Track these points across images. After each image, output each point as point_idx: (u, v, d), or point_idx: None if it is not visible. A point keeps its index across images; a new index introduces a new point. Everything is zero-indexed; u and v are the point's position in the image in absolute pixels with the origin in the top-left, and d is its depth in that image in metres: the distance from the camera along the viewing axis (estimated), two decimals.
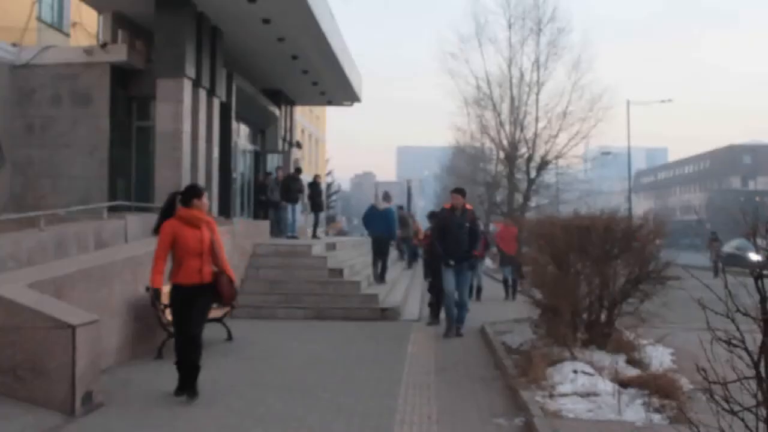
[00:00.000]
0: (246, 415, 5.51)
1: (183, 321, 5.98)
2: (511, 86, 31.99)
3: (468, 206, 9.94)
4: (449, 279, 9.68)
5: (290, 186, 16.84)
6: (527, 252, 9.89)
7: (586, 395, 5.67)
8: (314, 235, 18.27)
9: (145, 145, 14.62)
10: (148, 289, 6.34)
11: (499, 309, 12.96)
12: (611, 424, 5.02)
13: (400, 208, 24.79)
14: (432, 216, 12.68)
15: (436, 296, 11.02)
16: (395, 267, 16.90)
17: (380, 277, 14.25)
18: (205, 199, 6.14)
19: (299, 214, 17.39)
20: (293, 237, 16.25)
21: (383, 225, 14.01)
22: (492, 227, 33.96)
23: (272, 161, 22.52)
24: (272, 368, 7.42)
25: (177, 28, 13.34)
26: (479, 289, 15.05)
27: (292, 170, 19.84)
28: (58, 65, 13.95)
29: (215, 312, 8.97)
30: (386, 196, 15.03)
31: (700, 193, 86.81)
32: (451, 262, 9.66)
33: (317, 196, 18.58)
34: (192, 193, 6.17)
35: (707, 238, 26.00)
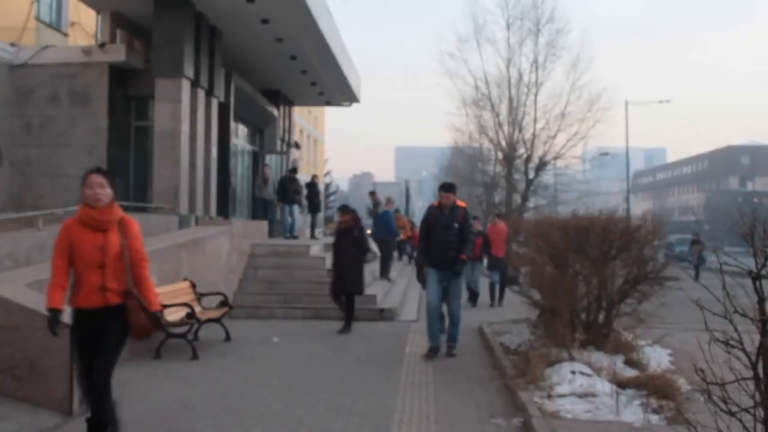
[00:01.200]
0: (245, 414, 5.51)
1: (85, 358, 4.41)
2: (509, 87, 32.07)
3: (460, 203, 8.36)
4: (434, 289, 8.13)
5: (287, 186, 16.73)
6: (525, 252, 9.70)
7: (584, 396, 5.68)
8: (312, 236, 18.26)
9: (144, 145, 14.62)
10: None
11: (496, 311, 12.96)
12: (609, 425, 5.02)
13: (396, 210, 24.71)
14: (342, 209, 11.10)
15: (337, 297, 10.30)
16: (393, 268, 16.91)
17: (383, 274, 15.12)
18: (90, 189, 4.42)
19: (298, 215, 17.25)
20: (293, 237, 16.20)
21: (381, 227, 15.26)
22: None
23: (270, 162, 22.51)
24: (271, 368, 7.42)
25: (176, 27, 13.35)
26: (476, 295, 13.89)
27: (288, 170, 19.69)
28: (57, 65, 13.96)
29: (213, 312, 8.99)
30: (388, 200, 17.23)
31: (698, 194, 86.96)
32: (428, 272, 8.23)
33: (315, 197, 18.56)
34: (83, 181, 4.46)
35: (689, 240, 25.06)
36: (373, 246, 11.31)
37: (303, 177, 20.21)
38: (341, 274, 10.23)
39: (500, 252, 13.74)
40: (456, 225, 8.04)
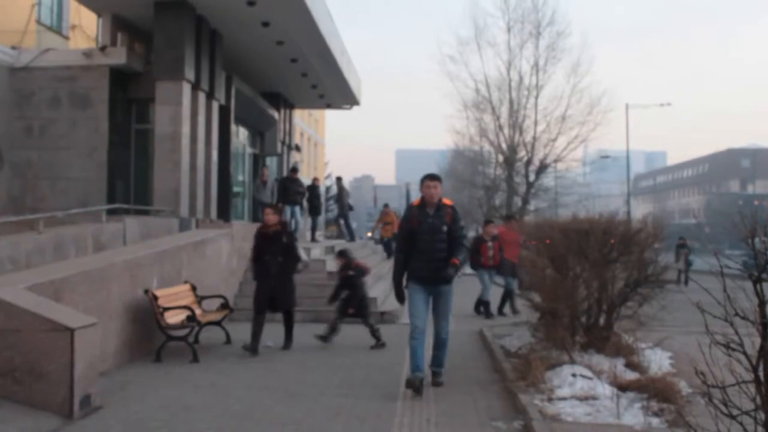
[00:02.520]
0: (244, 417, 5.51)
1: None
2: (510, 89, 32.13)
3: (447, 201, 6.73)
4: (420, 308, 6.51)
5: (288, 187, 16.40)
6: (527, 255, 9.63)
7: (584, 399, 5.67)
8: (313, 238, 18.22)
9: (144, 148, 14.63)
10: None
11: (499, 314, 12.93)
12: (610, 428, 5.02)
13: (386, 206, 23.99)
14: (271, 208, 9.40)
15: (256, 316, 8.65)
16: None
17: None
18: None
19: (300, 216, 16.86)
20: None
21: None
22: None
23: (271, 165, 22.53)
24: (271, 371, 7.42)
25: (176, 30, 13.35)
26: (487, 304, 12.64)
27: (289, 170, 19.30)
28: (58, 68, 13.96)
29: (214, 315, 8.99)
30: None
31: (698, 197, 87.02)
32: (404, 292, 6.69)
33: (315, 199, 18.48)
34: None
35: (675, 244, 23.42)
36: (303, 254, 9.63)
37: (304, 180, 20.16)
38: (268, 288, 8.72)
39: (514, 256, 12.23)
40: (444, 228, 6.50)
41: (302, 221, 17.61)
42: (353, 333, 10.12)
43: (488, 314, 12.54)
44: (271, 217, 8.88)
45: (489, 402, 6.12)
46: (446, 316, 6.66)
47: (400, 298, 6.77)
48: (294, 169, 17.86)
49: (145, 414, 5.60)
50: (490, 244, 12.77)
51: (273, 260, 8.70)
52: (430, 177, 6.71)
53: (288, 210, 16.32)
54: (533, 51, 32.01)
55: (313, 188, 18.42)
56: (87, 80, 13.83)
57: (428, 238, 6.48)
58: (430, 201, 6.59)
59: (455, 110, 54.77)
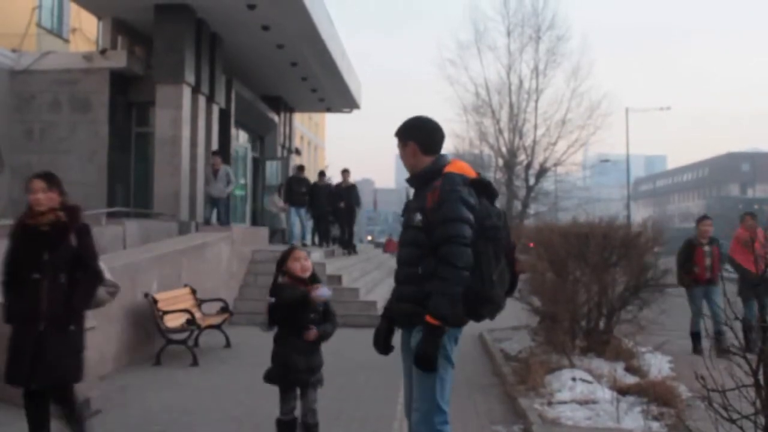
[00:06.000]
0: (245, 421, 5.51)
1: None
2: (510, 93, 32.18)
3: (456, 167, 3.43)
4: (403, 369, 3.84)
5: (293, 187, 15.88)
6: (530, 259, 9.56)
7: (584, 402, 5.67)
8: (313, 242, 18.16)
9: (144, 151, 14.66)
10: None
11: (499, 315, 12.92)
12: None
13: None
14: (44, 177, 4.35)
15: (26, 402, 4.45)
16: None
17: None
18: None
19: (305, 219, 16.37)
20: (302, 245, 15.18)
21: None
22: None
23: (271, 168, 22.53)
24: None
25: (176, 34, 13.38)
26: (696, 336, 8.63)
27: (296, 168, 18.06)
28: (58, 71, 13.99)
29: (214, 318, 8.99)
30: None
31: (698, 201, 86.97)
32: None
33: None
34: None
35: None
36: (106, 271, 4.71)
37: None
38: (32, 337, 4.12)
39: (750, 263, 7.94)
40: (417, 218, 3.37)
41: (307, 224, 16.86)
42: (354, 337, 10.10)
43: (696, 349, 8.47)
44: (41, 196, 4.25)
45: (489, 406, 6.11)
46: (419, 399, 3.49)
47: (380, 345, 3.93)
48: (301, 167, 16.82)
49: (145, 418, 5.59)
50: (707, 248, 9.11)
51: (48, 281, 4.18)
52: (400, 134, 3.66)
53: (293, 212, 15.82)
54: (533, 55, 32.09)
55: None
56: (87, 83, 13.87)
57: (401, 235, 3.59)
58: (419, 173, 3.56)
59: (455, 114, 54.78)
